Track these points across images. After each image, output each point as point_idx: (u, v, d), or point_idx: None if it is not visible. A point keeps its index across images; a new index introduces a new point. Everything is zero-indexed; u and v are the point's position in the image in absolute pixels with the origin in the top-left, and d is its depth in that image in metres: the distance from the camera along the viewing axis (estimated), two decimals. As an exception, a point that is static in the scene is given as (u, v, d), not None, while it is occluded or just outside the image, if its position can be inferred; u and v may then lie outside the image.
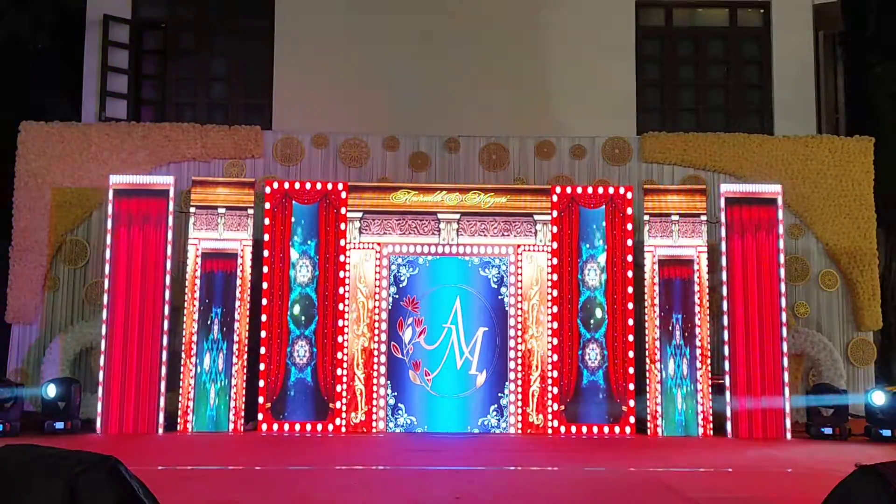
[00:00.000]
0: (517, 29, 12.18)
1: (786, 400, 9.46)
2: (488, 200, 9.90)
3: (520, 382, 9.67)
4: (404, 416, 9.61)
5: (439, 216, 9.89)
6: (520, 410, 9.64)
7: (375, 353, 9.67)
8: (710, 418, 9.54)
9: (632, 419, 9.58)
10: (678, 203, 9.95)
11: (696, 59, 12.64)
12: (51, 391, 9.16)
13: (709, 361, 9.66)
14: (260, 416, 9.52)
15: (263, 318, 9.66)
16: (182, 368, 9.52)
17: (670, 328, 9.68)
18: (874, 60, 12.84)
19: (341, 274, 9.77)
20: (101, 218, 10.33)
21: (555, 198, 9.95)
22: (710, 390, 9.61)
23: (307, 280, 9.77)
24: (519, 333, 9.75)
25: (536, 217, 9.91)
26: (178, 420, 9.43)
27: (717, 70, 12.66)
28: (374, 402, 9.60)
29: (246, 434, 9.44)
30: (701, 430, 9.50)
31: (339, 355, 9.64)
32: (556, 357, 9.68)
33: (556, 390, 9.64)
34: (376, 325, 9.72)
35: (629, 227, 9.92)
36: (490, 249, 9.87)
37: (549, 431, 9.57)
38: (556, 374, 9.66)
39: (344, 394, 9.59)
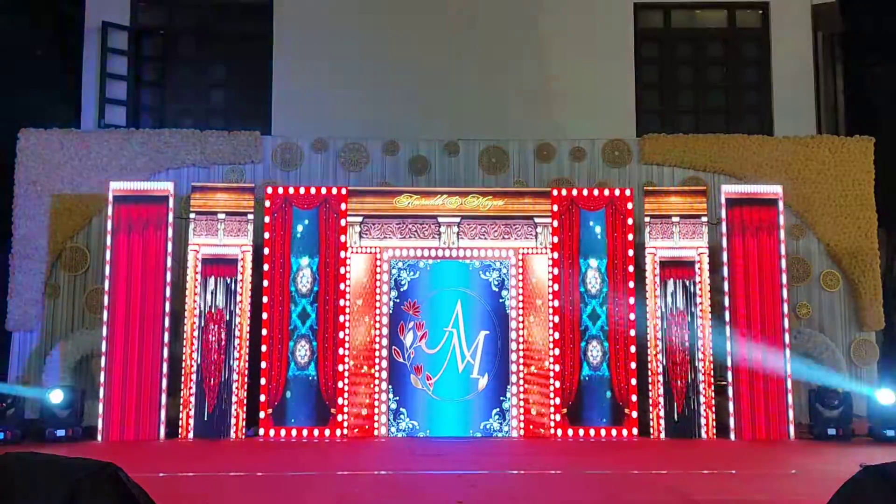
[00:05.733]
0: (516, 32, 12.18)
1: (788, 403, 9.45)
2: (486, 203, 9.89)
3: (521, 386, 9.65)
4: (406, 421, 9.59)
5: (440, 220, 9.88)
6: (522, 414, 9.61)
7: (377, 357, 9.65)
8: (714, 420, 9.52)
9: (634, 422, 9.55)
10: (678, 204, 9.94)
11: (695, 60, 12.64)
12: (56, 397, 9.13)
13: (711, 363, 9.64)
14: (261, 422, 9.49)
15: (264, 323, 9.64)
16: (183, 374, 9.50)
17: (672, 330, 9.66)
18: (873, 60, 12.82)
19: (342, 278, 9.76)
20: (100, 225, 10.31)
21: (555, 201, 9.94)
22: (713, 392, 9.59)
23: (308, 285, 9.75)
24: (520, 336, 9.73)
25: (537, 220, 9.90)
26: (180, 426, 9.40)
27: (716, 71, 12.66)
28: (376, 407, 9.58)
29: (247, 440, 9.42)
30: (704, 432, 9.47)
31: (341, 359, 9.61)
32: (557, 359, 9.66)
33: (558, 393, 9.61)
34: (377, 329, 9.70)
35: (630, 228, 9.91)
36: (491, 252, 9.86)
37: (552, 434, 9.55)
38: (557, 377, 9.63)
39: (345, 398, 9.57)
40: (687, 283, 9.76)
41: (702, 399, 9.53)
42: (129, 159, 10.72)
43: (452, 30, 12.12)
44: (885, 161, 11.14)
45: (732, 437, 9.39)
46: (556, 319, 9.72)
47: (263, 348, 9.61)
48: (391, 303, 9.77)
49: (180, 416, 9.42)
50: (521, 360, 9.68)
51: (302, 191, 9.94)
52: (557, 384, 9.63)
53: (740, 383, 9.49)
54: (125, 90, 12.11)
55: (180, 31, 12.65)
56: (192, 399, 9.44)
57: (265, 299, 9.69)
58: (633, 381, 9.61)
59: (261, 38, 12.30)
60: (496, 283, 9.84)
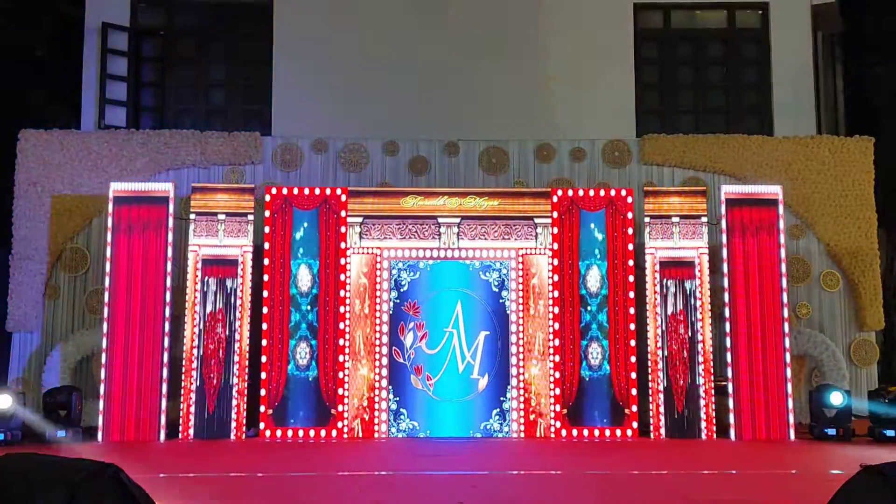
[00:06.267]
0: (516, 32, 12.18)
1: (788, 400, 9.46)
2: (482, 204, 9.89)
3: (522, 386, 9.66)
4: (406, 421, 9.59)
5: (440, 220, 9.89)
6: (522, 414, 9.61)
7: (377, 358, 9.65)
8: (714, 420, 9.52)
9: (634, 422, 9.56)
10: (678, 205, 9.94)
11: (695, 60, 12.64)
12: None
13: (711, 363, 9.65)
14: (261, 423, 9.50)
15: (264, 324, 9.65)
16: (183, 375, 9.50)
17: (672, 330, 9.66)
18: (873, 60, 12.83)
19: (342, 279, 9.76)
20: (100, 225, 10.32)
21: (555, 200, 9.95)
22: (713, 392, 9.59)
23: (308, 286, 9.76)
24: (520, 337, 9.73)
25: (537, 220, 9.90)
26: (180, 427, 9.40)
27: (715, 71, 12.65)
28: (376, 407, 9.58)
29: (247, 440, 9.42)
30: (704, 433, 9.47)
31: (341, 360, 9.62)
32: (557, 360, 9.66)
33: (558, 393, 9.62)
34: (377, 330, 9.70)
35: (630, 229, 9.91)
36: (491, 253, 9.86)
37: (552, 435, 9.55)
38: (558, 377, 9.64)
39: (345, 399, 9.57)
40: (687, 283, 9.76)
41: (702, 399, 9.53)
42: (129, 160, 10.73)
43: (452, 30, 12.11)
44: (885, 161, 11.15)
45: (732, 437, 9.39)
46: (557, 320, 9.73)
47: (263, 349, 9.61)
48: (391, 303, 9.77)
49: (180, 417, 9.42)
50: (522, 361, 9.69)
51: (304, 191, 9.94)
52: (558, 385, 9.63)
53: (740, 383, 9.49)
54: (125, 91, 12.10)
55: (180, 31, 12.64)
56: (193, 400, 9.44)
57: (265, 301, 9.69)
58: (633, 381, 9.61)
59: (261, 39, 12.29)
60: (496, 283, 9.84)
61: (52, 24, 12.81)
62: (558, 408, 9.60)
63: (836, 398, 9.36)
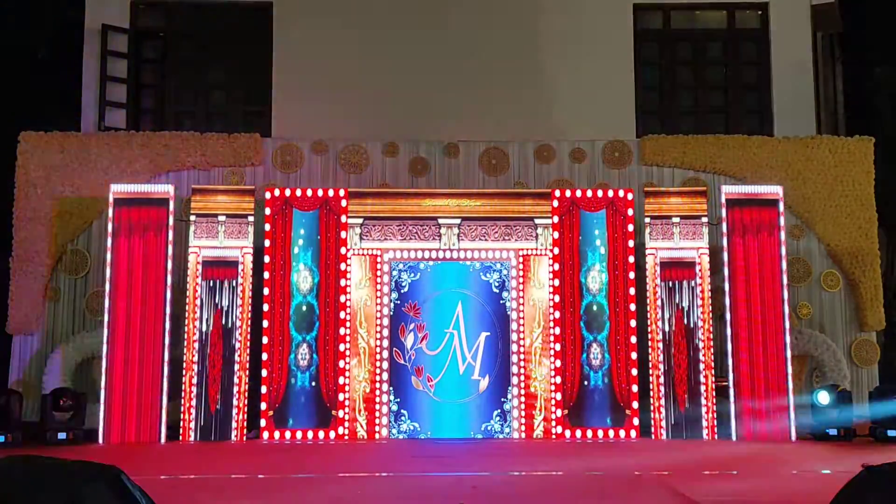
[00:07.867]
0: (516, 34, 12.17)
1: (789, 401, 9.45)
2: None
3: (522, 387, 9.66)
4: (407, 423, 9.59)
5: (440, 221, 9.89)
6: (523, 415, 9.61)
7: (378, 359, 9.66)
8: (715, 420, 9.52)
9: (635, 422, 9.56)
10: (679, 205, 9.94)
11: (695, 61, 12.63)
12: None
13: (712, 363, 9.65)
14: (262, 424, 9.50)
15: (265, 325, 9.65)
16: (183, 377, 9.50)
17: (672, 331, 9.66)
18: (873, 60, 12.83)
19: (342, 281, 9.76)
20: (101, 227, 10.31)
21: (555, 202, 9.95)
22: (714, 392, 9.59)
23: (308, 287, 9.76)
24: (521, 338, 9.73)
25: (537, 221, 9.91)
26: (181, 429, 9.40)
27: (715, 72, 12.65)
28: (377, 409, 9.58)
29: (248, 442, 9.42)
30: (705, 433, 9.47)
31: (341, 362, 9.62)
32: (558, 361, 9.66)
33: (559, 394, 9.62)
34: (378, 331, 9.70)
35: (630, 229, 9.91)
36: (491, 254, 9.86)
37: (553, 436, 9.55)
38: (558, 378, 9.64)
39: (346, 400, 9.57)
40: (687, 283, 9.76)
41: (703, 399, 9.53)
42: (129, 162, 10.72)
43: (452, 31, 12.10)
44: (885, 161, 11.14)
45: (733, 437, 9.39)
46: (557, 321, 9.73)
47: (264, 350, 9.61)
48: (392, 304, 9.77)
49: (181, 419, 9.42)
50: (522, 362, 9.69)
51: (304, 193, 9.94)
52: (559, 385, 9.63)
53: (741, 383, 9.49)
54: (125, 93, 12.10)
55: (180, 33, 12.63)
56: (193, 401, 9.44)
57: (265, 301, 9.69)
58: (634, 381, 9.61)
59: (261, 39, 12.29)
60: (497, 284, 9.84)
61: (52, 25, 12.80)
62: (559, 408, 9.60)
63: (823, 398, 9.38)
